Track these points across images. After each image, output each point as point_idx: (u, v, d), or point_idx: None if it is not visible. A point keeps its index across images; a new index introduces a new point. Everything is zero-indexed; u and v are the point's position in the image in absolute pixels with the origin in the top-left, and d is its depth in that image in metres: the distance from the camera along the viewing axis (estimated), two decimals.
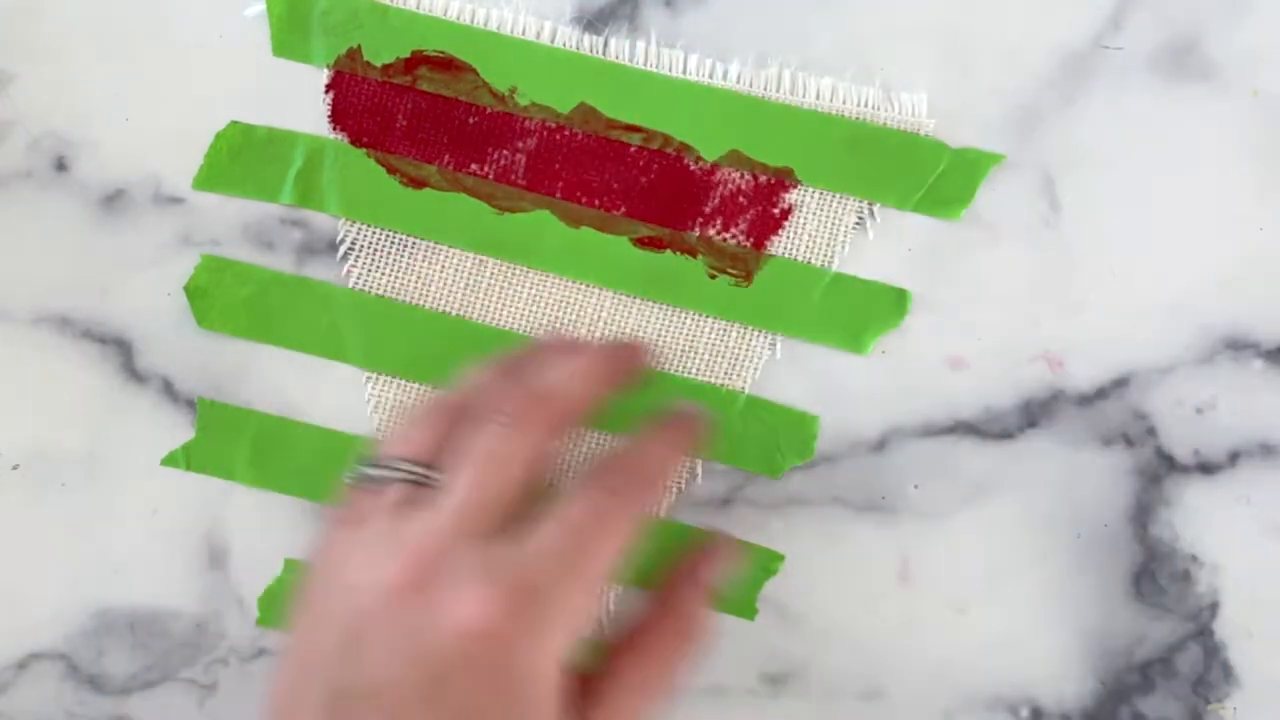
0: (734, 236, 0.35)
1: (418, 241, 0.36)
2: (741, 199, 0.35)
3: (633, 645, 0.28)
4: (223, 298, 0.36)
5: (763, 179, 0.35)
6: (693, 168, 0.35)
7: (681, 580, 0.30)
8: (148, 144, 0.36)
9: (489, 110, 0.35)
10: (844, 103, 0.35)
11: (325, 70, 0.36)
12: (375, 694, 0.24)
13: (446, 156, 0.36)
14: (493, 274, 0.36)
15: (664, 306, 0.35)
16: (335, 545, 0.27)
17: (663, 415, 0.30)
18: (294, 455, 0.36)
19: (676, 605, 0.29)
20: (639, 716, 0.27)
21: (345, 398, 0.36)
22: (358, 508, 0.27)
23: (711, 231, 0.35)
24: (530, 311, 0.36)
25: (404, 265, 0.36)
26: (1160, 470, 0.35)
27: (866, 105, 0.35)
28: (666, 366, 0.35)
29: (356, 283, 0.36)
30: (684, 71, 0.35)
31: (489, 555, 0.25)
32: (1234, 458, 0.35)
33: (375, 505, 0.26)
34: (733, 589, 0.35)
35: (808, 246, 0.35)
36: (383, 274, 0.36)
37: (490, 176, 0.35)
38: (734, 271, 0.35)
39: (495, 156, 0.35)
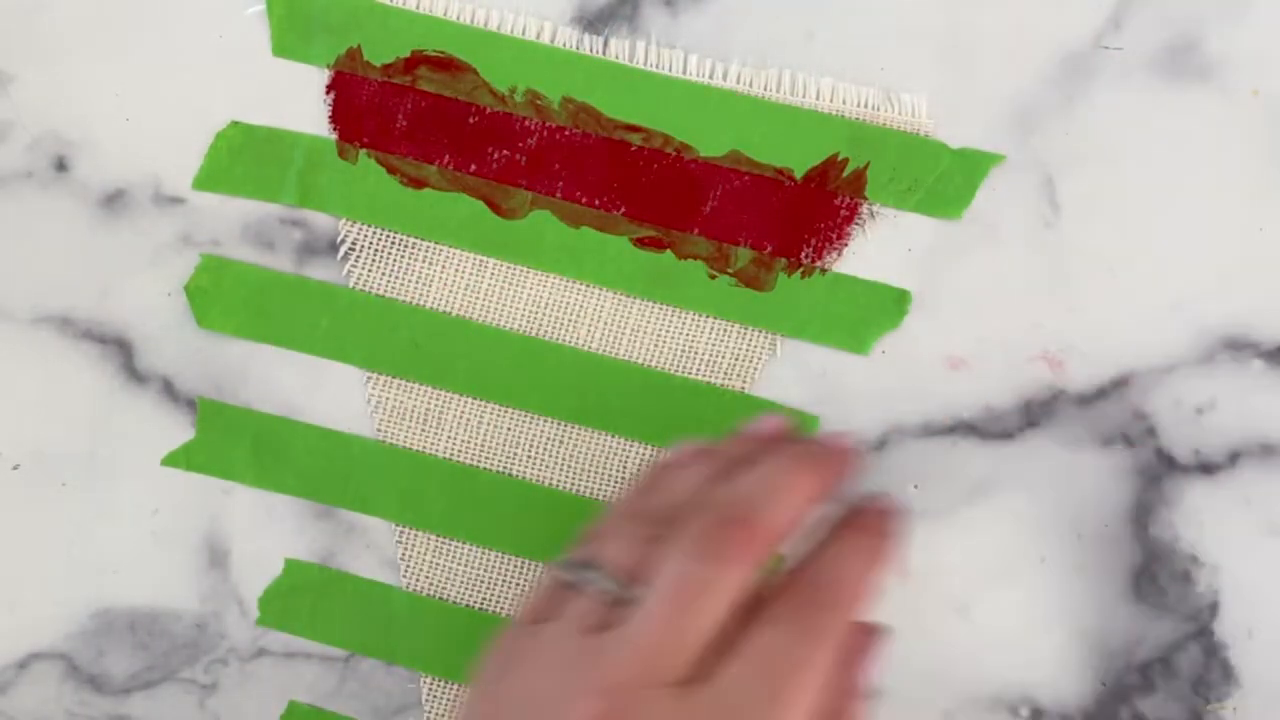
0: None
1: (418, 242, 0.36)
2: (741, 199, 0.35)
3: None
4: (223, 298, 0.36)
5: (763, 179, 0.35)
6: (693, 168, 0.35)
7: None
8: (148, 144, 0.36)
9: (489, 110, 0.35)
10: (844, 103, 0.35)
11: (325, 70, 0.36)
12: None
13: (446, 156, 0.36)
14: (492, 274, 0.36)
15: (664, 307, 0.35)
16: (522, 640, 0.25)
17: (853, 511, 0.27)
18: (294, 455, 0.36)
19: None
20: None
21: (345, 398, 0.36)
22: (550, 605, 0.26)
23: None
24: (530, 312, 0.36)
25: (404, 265, 0.36)
26: (1160, 470, 0.35)
27: (866, 105, 0.35)
28: (666, 367, 0.35)
29: (356, 283, 0.36)
30: (684, 71, 0.35)
31: (678, 710, 0.23)
32: (1234, 458, 0.35)
33: (567, 609, 0.25)
34: None
35: None
36: (383, 274, 0.36)
37: (490, 176, 0.35)
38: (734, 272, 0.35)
39: (495, 156, 0.35)
